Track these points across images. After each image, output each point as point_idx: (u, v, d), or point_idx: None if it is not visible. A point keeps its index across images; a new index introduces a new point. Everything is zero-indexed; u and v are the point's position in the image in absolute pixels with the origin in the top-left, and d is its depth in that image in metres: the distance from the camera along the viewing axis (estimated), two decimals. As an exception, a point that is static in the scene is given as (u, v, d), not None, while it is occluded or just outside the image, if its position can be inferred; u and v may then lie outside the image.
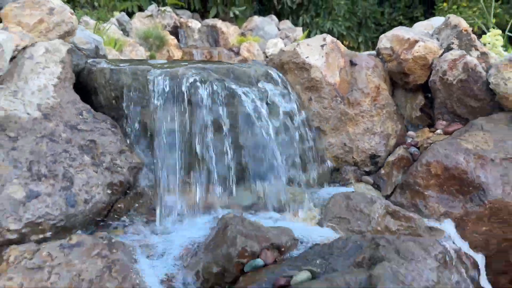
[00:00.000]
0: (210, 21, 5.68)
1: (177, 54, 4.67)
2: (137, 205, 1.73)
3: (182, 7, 6.26)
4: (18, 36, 1.68)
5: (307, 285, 1.03)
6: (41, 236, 1.41)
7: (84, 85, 1.91)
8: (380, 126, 2.18)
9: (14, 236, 1.35)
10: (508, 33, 2.85)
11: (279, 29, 6.23)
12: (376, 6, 8.62)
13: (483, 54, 2.19)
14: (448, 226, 1.69)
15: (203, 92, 1.72)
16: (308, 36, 6.21)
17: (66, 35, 1.88)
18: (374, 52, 2.49)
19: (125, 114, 1.81)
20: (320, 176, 2.06)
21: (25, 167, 1.47)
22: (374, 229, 1.60)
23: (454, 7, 7.55)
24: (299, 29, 6.32)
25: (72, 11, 1.92)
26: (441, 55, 2.22)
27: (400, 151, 2.07)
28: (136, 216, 1.68)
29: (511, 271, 1.96)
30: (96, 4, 5.13)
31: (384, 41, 2.33)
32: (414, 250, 1.06)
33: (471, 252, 1.66)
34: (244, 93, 1.80)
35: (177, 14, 5.61)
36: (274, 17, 6.55)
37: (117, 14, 4.78)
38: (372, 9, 8.51)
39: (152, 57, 4.28)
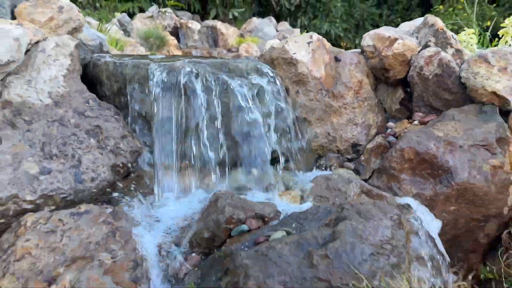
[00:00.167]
0: (209, 22, 5.82)
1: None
2: (137, 184, 1.91)
3: (182, 9, 6.42)
4: (31, 32, 1.87)
5: (282, 239, 1.21)
6: (53, 207, 1.60)
7: (90, 77, 2.10)
8: (361, 117, 2.37)
9: (30, 206, 1.54)
10: (488, 34, 3.03)
11: (277, 31, 6.39)
12: (374, 8, 8.81)
13: (458, 51, 2.37)
14: (416, 204, 1.87)
15: (197, 83, 1.90)
16: (306, 37, 6.35)
17: (73, 32, 2.07)
18: (359, 50, 2.67)
19: (127, 103, 2.00)
20: (306, 162, 2.24)
21: (39, 147, 1.66)
22: (350, 205, 1.78)
23: (450, 9, 7.79)
24: (297, 30, 6.48)
25: (79, 9, 2.11)
26: (419, 52, 2.40)
27: (378, 139, 2.25)
28: (136, 194, 1.87)
29: (480, 249, 2.14)
30: (98, 5, 5.29)
31: (367, 39, 2.52)
32: (373, 212, 1.24)
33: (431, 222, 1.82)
34: (235, 84, 1.98)
35: (177, 16, 5.77)
36: (272, 18, 6.71)
37: (118, 15, 4.91)
38: (370, 11, 8.69)
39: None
